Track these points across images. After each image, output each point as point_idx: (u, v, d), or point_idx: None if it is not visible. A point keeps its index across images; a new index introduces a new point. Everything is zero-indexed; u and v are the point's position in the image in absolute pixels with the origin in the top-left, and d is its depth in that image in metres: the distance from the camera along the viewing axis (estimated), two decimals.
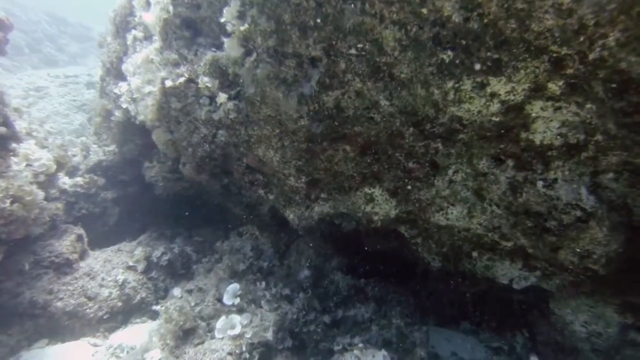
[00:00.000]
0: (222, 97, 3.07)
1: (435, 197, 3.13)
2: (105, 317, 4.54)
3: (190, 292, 3.54)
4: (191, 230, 6.25)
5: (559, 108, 2.30)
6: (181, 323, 3.11)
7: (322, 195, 3.47)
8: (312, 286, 3.85)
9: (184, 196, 6.48)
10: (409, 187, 3.20)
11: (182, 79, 3.11)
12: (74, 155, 6.26)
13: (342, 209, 3.52)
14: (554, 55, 2.00)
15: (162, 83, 3.17)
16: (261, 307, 3.24)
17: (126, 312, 4.88)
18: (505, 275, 3.44)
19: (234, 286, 3.20)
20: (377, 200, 3.39)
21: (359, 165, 3.17)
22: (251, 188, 4.02)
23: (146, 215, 6.56)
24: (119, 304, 4.77)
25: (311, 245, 4.34)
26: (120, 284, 4.85)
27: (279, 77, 2.70)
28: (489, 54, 2.26)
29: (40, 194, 4.25)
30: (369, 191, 3.36)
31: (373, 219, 3.48)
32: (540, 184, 2.64)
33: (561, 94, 2.19)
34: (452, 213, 3.12)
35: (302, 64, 2.65)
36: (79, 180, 5.86)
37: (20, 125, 4.42)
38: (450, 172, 3.00)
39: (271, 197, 3.93)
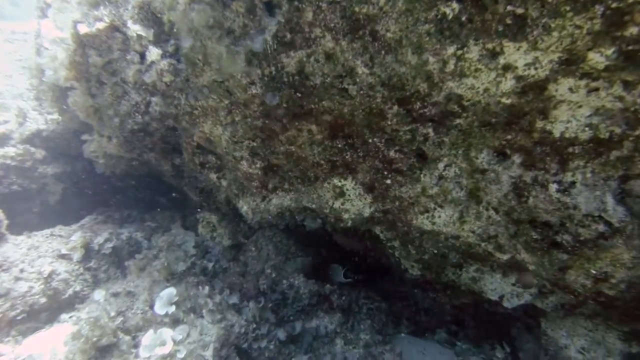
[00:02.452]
0: (153, 53, 2.34)
1: (420, 196, 2.52)
2: (19, 317, 3.80)
3: (116, 295, 2.88)
4: (146, 213, 5.51)
5: (596, 90, 1.70)
6: (94, 339, 2.46)
7: (283, 186, 2.81)
8: (268, 292, 3.24)
9: (137, 175, 5.71)
10: (388, 182, 2.58)
11: (101, 25, 2.35)
12: (6, 122, 5.36)
13: (305, 203, 2.88)
14: (613, 4, 1.38)
15: (75, 28, 2.40)
16: (202, 317, 2.62)
17: (54, 309, 4.15)
18: (495, 291, 2.91)
19: (169, 291, 2.56)
20: (349, 195, 2.77)
21: (327, 151, 2.52)
22: (202, 171, 3.32)
23: (97, 194, 5.77)
24: (42, 300, 4.03)
25: (272, 240, 3.70)
26: (45, 276, 4.10)
27: (222, 26, 1.99)
28: (509, 7, 1.62)
29: None
30: (339, 183, 2.73)
31: (343, 217, 2.86)
32: (553, 187, 2.07)
33: (605, 69, 1.58)
34: (439, 216, 2.53)
35: (254, 8, 1.94)
36: (9, 150, 5.00)
37: None
38: (440, 165, 2.39)
39: (224, 183, 3.25)
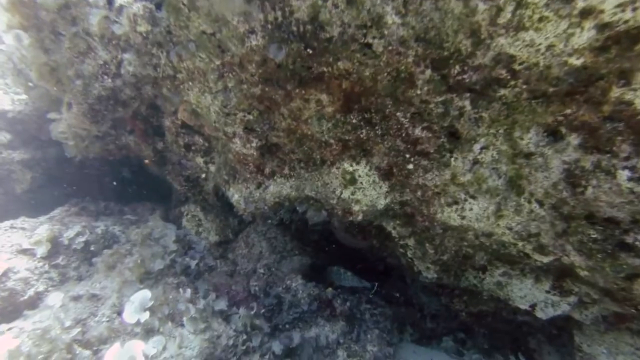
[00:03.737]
0: None
1: (449, 184, 2.10)
2: None
3: (76, 299, 2.39)
4: (125, 206, 4.99)
5: None
6: (40, 357, 1.95)
7: (283, 170, 2.36)
8: (261, 295, 2.79)
9: (116, 162, 5.17)
10: (410, 167, 2.16)
11: None
12: None
13: (308, 192, 2.44)
14: None
15: None
16: (182, 326, 2.14)
17: (8, 313, 3.61)
18: (525, 299, 2.51)
19: (143, 294, 2.09)
20: (361, 183, 2.33)
21: (338, 127, 2.07)
22: (187, 155, 2.84)
23: (72, 183, 5.21)
24: None
25: (265, 235, 3.25)
26: (0, 274, 3.56)
27: None
28: None
29: None
30: (350, 168, 2.29)
31: (352, 209, 2.42)
32: (623, 175, 1.67)
33: None
34: (470, 209, 2.11)
35: None
36: None
37: None
38: (476, 147, 1.98)
39: (212, 168, 2.78)
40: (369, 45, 1.69)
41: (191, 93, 2.07)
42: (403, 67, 1.74)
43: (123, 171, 5.24)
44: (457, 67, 1.73)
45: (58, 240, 4.11)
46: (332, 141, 2.16)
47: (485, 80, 1.76)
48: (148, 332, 2.12)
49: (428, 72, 1.76)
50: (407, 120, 1.96)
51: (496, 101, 1.83)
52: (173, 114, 2.78)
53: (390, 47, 1.66)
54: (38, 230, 4.12)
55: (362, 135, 2.12)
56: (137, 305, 2.10)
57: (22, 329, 2.31)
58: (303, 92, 1.96)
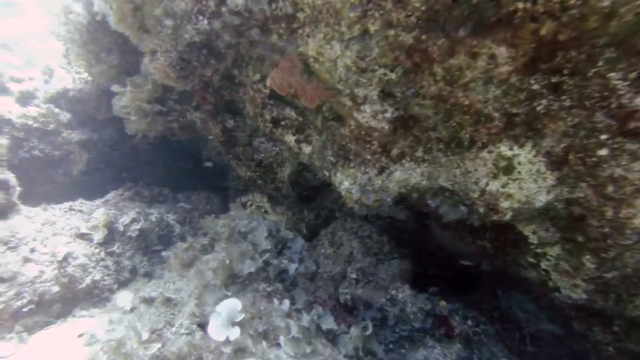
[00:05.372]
0: None
1: None
2: (26, 308, 2.97)
3: (149, 302, 1.97)
4: (179, 192, 4.66)
5: None
6: None
7: (415, 152, 1.83)
8: (360, 307, 2.29)
9: (176, 145, 4.84)
10: (604, 152, 1.57)
11: None
12: (31, 79, 4.58)
13: (443, 182, 1.89)
14: None
15: None
16: (279, 347, 1.67)
17: (67, 300, 3.32)
18: None
19: (232, 304, 1.64)
20: (519, 173, 1.76)
21: (509, 95, 1.52)
22: (274, 132, 2.37)
23: (125, 167, 4.96)
24: (55, 288, 3.19)
25: (357, 234, 2.74)
26: (60, 259, 3.26)
27: None
28: None
29: None
30: (509, 152, 1.73)
31: (499, 206, 1.86)
32: None
33: None
34: None
35: None
36: (32, 110, 4.22)
37: None
38: None
39: (307, 149, 2.29)
40: None
41: (311, 41, 1.57)
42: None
43: (179, 153, 4.90)
44: None
45: (114, 226, 3.82)
46: (495, 114, 1.60)
47: None
48: (237, 352, 1.67)
49: None
50: (627, 84, 1.37)
51: None
52: (258, 81, 2.31)
53: None
54: (95, 214, 3.84)
55: (539, 108, 1.55)
56: (224, 317, 1.66)
57: (94, 335, 1.93)
58: (475, 42, 1.42)
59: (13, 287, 2.92)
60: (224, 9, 1.52)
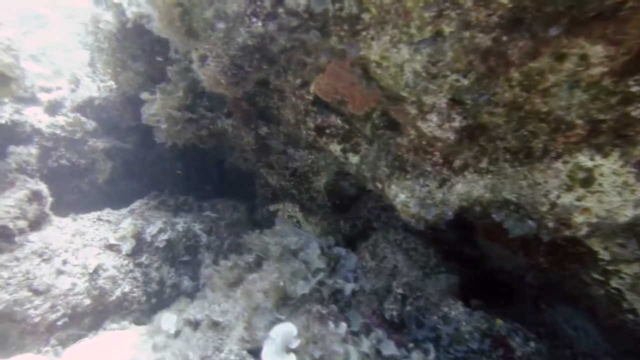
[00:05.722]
0: None
1: None
2: (60, 321, 2.90)
3: (194, 325, 1.86)
4: (203, 200, 4.58)
5: None
6: None
7: (479, 163, 1.68)
8: (411, 324, 2.14)
9: (200, 152, 4.78)
10: None
11: None
12: (59, 88, 4.58)
13: (508, 195, 1.74)
14: None
15: None
16: None
17: (98, 312, 3.26)
18: None
19: (287, 328, 1.51)
20: (600, 184, 1.60)
21: (599, 100, 1.37)
22: (318, 141, 2.25)
23: (148, 175, 4.91)
24: (87, 301, 3.13)
25: (401, 246, 2.59)
26: (91, 271, 3.20)
27: None
28: None
29: None
30: (589, 163, 1.57)
31: (573, 220, 1.70)
32: None
33: None
34: None
35: None
36: (60, 119, 4.21)
37: None
38: None
39: (354, 159, 2.16)
40: None
41: (375, 44, 1.45)
42: None
43: (204, 161, 4.84)
44: None
45: (141, 237, 3.75)
46: (577, 122, 1.45)
47: None
48: None
49: None
50: None
51: None
52: (300, 87, 2.19)
53: None
54: (122, 224, 3.78)
55: (634, 113, 1.39)
56: (279, 343, 1.53)
57: None
58: (565, 42, 1.27)
59: (48, 299, 2.86)
60: (280, 10, 1.40)
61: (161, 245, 3.81)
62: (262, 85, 2.75)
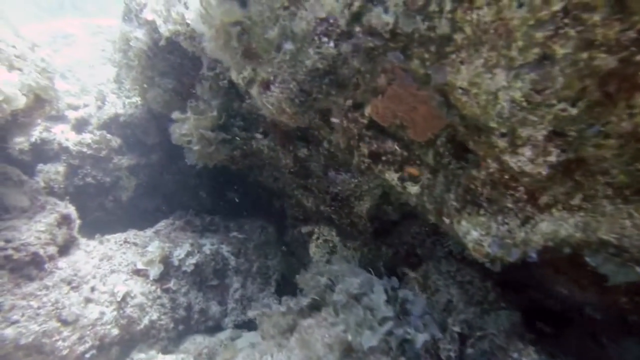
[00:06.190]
0: None
1: None
2: (88, 353, 2.75)
3: None
4: (230, 221, 4.43)
5: None
6: None
7: (570, 200, 1.48)
8: None
9: (222, 168, 4.66)
10: None
11: None
12: (86, 105, 4.53)
13: (603, 234, 1.53)
14: None
15: None
16: None
17: (126, 342, 3.10)
18: None
19: None
20: None
21: None
22: (372, 168, 2.08)
23: (172, 193, 4.80)
24: (115, 331, 2.98)
25: (455, 278, 2.38)
26: (119, 299, 3.06)
27: None
28: None
29: None
30: None
31: None
32: None
33: None
34: None
35: None
36: (87, 137, 4.16)
37: None
38: None
39: (413, 189, 1.97)
40: None
41: (464, 69, 1.27)
42: None
43: (230, 180, 4.70)
44: None
45: (169, 261, 3.61)
46: None
47: None
48: None
49: None
50: None
51: None
52: (353, 109, 2.03)
53: None
54: (150, 248, 3.64)
55: None
56: None
57: None
58: None
59: (76, 330, 2.72)
60: (357, 29, 1.24)
61: (189, 270, 3.67)
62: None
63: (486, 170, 1.55)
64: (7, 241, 2.53)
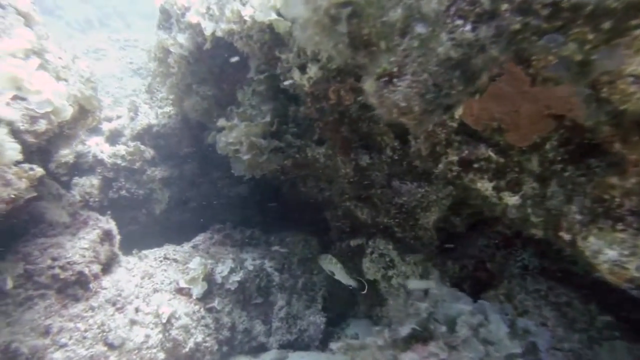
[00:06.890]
0: None
1: None
2: None
3: None
4: (270, 234, 4.20)
5: None
6: None
7: None
8: None
9: (255, 179, 4.47)
10: None
11: None
12: (119, 117, 4.42)
13: None
14: None
15: None
16: None
17: None
18: None
19: None
20: None
21: None
22: (461, 177, 1.85)
23: (205, 205, 4.62)
24: (161, 355, 2.77)
25: (546, 298, 2.11)
26: (164, 321, 2.85)
27: None
28: None
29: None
30: None
31: None
32: None
33: None
34: None
35: None
36: (121, 149, 4.03)
37: (23, 35, 2.44)
38: None
39: (512, 199, 1.73)
40: None
41: (632, 61, 1.04)
42: None
43: (270, 191, 4.49)
44: None
45: (211, 278, 3.41)
46: None
47: None
48: None
49: None
50: None
51: None
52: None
53: None
54: (191, 265, 3.43)
55: None
56: None
57: None
58: None
59: (122, 355, 2.52)
60: (504, 6, 1.02)
61: (233, 288, 3.45)
62: (366, 108, 2.40)
63: (629, 180, 1.31)
64: (54, 259, 2.36)
